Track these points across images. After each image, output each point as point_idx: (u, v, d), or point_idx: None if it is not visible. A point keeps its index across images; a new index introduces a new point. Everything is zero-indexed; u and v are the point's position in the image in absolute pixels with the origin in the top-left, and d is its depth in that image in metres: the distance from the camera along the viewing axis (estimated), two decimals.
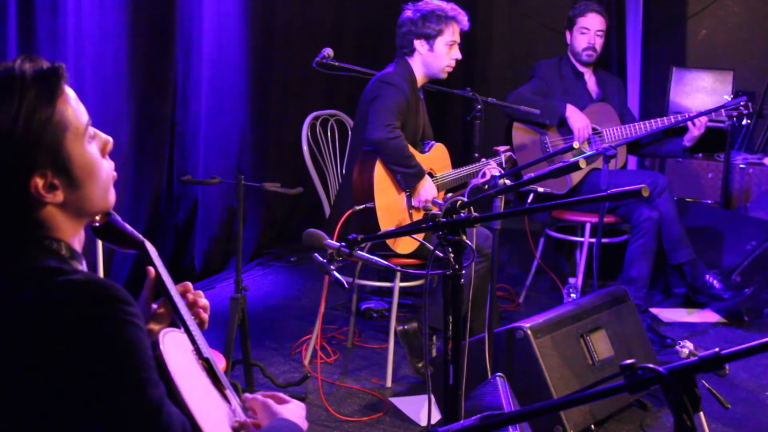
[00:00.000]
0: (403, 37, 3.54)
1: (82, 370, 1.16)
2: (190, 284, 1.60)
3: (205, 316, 1.58)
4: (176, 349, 1.34)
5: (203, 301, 1.58)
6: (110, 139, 1.37)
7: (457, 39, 3.54)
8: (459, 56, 3.55)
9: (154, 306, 1.56)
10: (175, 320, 1.50)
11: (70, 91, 1.30)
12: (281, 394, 1.53)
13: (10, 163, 1.23)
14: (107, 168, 1.35)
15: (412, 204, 3.45)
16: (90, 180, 1.30)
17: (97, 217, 1.43)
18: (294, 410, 1.49)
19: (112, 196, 1.37)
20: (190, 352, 1.42)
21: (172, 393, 1.26)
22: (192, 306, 1.57)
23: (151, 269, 1.52)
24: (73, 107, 1.29)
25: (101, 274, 2.81)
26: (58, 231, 1.29)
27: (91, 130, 1.32)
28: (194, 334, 1.45)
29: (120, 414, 1.16)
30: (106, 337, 1.17)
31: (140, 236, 1.51)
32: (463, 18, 3.56)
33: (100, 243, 2.80)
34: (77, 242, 1.33)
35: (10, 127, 1.22)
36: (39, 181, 1.25)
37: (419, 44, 3.51)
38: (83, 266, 1.32)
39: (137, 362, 1.18)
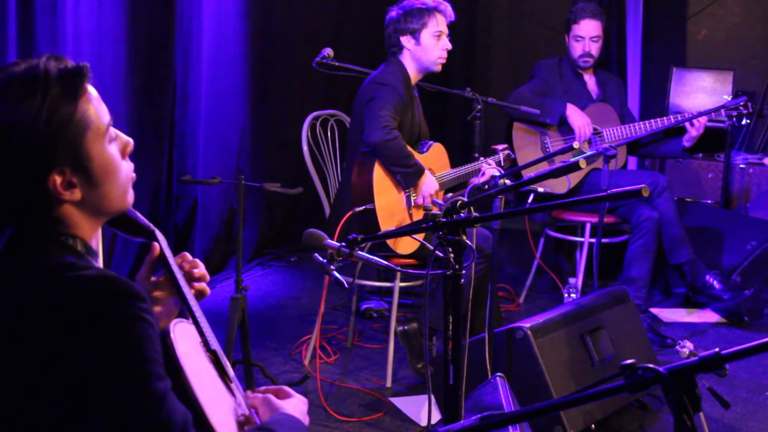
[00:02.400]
0: (389, 37, 3.56)
1: (90, 362, 1.17)
2: (188, 255, 1.61)
3: (203, 286, 1.61)
4: (185, 340, 1.35)
5: (199, 271, 1.60)
6: (131, 140, 1.39)
7: (444, 29, 3.54)
8: (449, 46, 3.56)
9: (153, 278, 1.58)
10: (184, 311, 1.51)
11: (93, 91, 1.32)
12: (285, 388, 1.53)
13: (30, 158, 1.24)
14: (126, 169, 1.37)
15: (416, 202, 3.45)
16: (108, 180, 1.32)
17: None
18: (296, 404, 1.49)
19: (130, 197, 1.39)
20: (198, 344, 1.43)
21: (181, 382, 1.27)
22: (189, 277, 1.59)
23: (156, 245, 1.54)
24: (95, 107, 1.31)
25: None
26: (76, 228, 1.31)
27: (113, 130, 1.34)
28: (202, 326, 1.47)
29: (122, 404, 1.17)
30: (117, 331, 1.18)
31: (151, 225, 1.52)
32: (446, 8, 3.57)
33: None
34: (94, 241, 1.35)
35: (31, 123, 1.23)
36: (57, 179, 1.26)
37: (406, 40, 3.51)
38: (99, 264, 1.33)
39: (144, 356, 1.19)
